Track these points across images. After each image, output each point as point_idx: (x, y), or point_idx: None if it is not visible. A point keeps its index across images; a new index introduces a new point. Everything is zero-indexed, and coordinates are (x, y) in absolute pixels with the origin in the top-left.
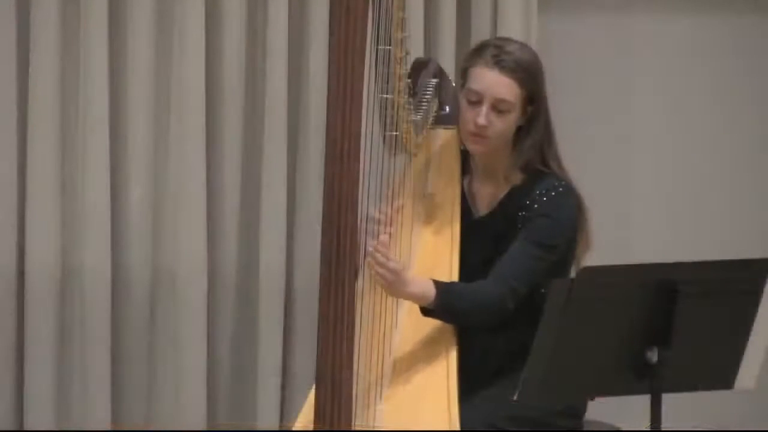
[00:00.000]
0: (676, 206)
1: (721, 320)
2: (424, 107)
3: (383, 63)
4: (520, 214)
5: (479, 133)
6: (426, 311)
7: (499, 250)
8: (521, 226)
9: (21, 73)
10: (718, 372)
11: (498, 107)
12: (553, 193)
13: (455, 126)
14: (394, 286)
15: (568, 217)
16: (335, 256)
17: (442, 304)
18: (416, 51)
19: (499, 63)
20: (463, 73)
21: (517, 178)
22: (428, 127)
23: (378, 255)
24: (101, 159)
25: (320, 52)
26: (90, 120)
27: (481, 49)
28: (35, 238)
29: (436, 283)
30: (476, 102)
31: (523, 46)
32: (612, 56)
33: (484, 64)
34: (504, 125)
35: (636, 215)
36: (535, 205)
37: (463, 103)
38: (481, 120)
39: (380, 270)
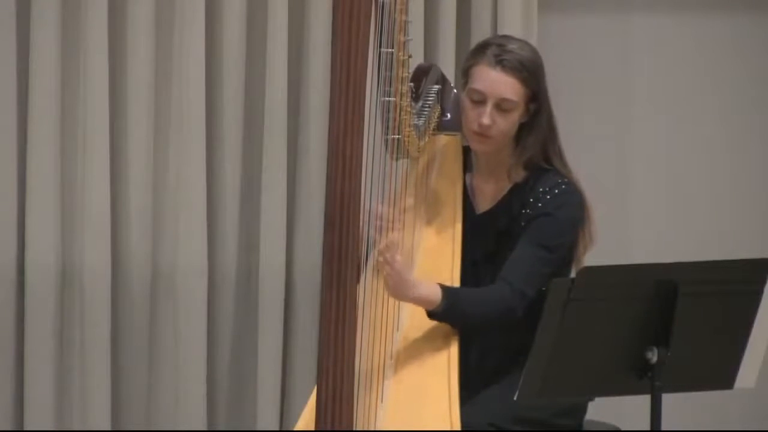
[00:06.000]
0: (676, 206)
1: (721, 320)
2: (425, 113)
3: (386, 66)
4: (523, 211)
5: (483, 133)
6: (431, 314)
7: (500, 246)
8: (525, 224)
9: (21, 74)
10: (718, 372)
11: (502, 106)
12: (556, 191)
13: (457, 132)
14: (399, 288)
15: (571, 216)
16: (337, 256)
17: (449, 309)
18: (416, 52)
19: (501, 62)
20: (465, 73)
21: (520, 175)
22: (430, 133)
23: (387, 254)
24: (101, 159)
25: (321, 52)
26: (90, 120)
27: (482, 48)
28: (35, 238)
29: (443, 288)
30: (480, 101)
31: (524, 43)
32: (612, 56)
33: (486, 63)
34: (508, 124)
35: (635, 215)
36: (539, 204)
37: (466, 102)
38: (485, 120)
39: (387, 269)
